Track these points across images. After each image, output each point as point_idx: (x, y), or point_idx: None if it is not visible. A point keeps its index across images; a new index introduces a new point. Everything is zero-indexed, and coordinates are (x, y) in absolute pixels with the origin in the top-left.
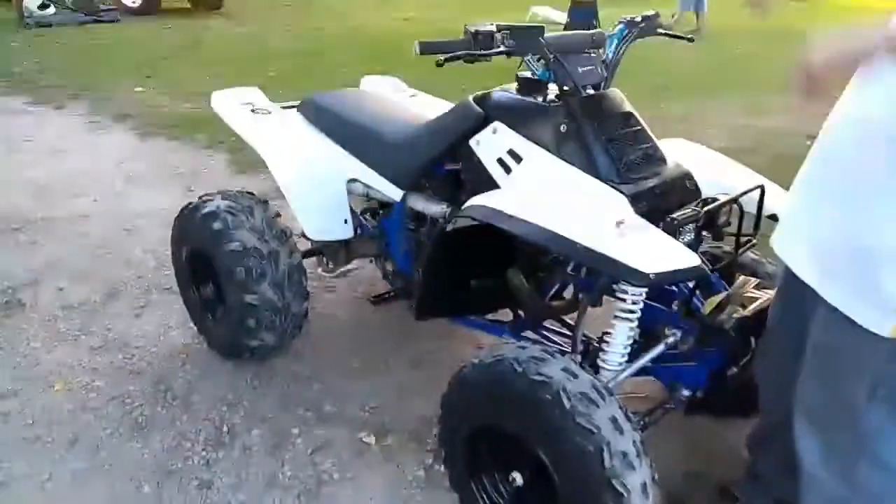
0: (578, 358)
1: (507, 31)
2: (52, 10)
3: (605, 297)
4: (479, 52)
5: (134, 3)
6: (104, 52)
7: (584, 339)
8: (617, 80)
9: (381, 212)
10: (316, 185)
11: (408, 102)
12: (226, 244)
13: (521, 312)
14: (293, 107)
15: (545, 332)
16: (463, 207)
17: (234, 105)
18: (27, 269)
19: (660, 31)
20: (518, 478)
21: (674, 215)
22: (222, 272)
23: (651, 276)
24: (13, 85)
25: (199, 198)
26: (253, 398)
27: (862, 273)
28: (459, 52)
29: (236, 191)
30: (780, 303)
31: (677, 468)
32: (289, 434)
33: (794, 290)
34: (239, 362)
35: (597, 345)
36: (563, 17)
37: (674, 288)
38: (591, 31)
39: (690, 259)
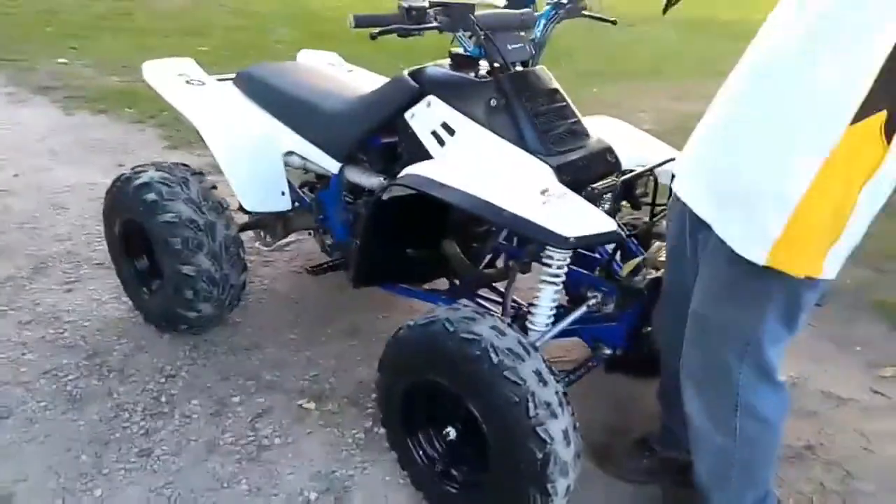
0: (508, 319)
1: (440, 8)
2: None
3: (535, 266)
4: (411, 27)
5: None
6: (22, 21)
7: (514, 304)
8: (552, 65)
9: (318, 185)
10: (252, 158)
11: (345, 76)
12: (161, 215)
13: (456, 281)
14: (229, 79)
15: (479, 301)
16: (398, 177)
17: (168, 76)
18: None
19: (584, 13)
20: (451, 432)
21: (594, 185)
22: (158, 244)
23: (571, 239)
24: None
25: (132, 169)
26: (192, 369)
27: (744, 205)
28: (393, 26)
29: (171, 162)
30: (671, 266)
31: (600, 423)
32: (229, 403)
33: (681, 255)
34: (176, 335)
35: (526, 310)
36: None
37: (596, 255)
38: (521, 11)
39: (607, 224)
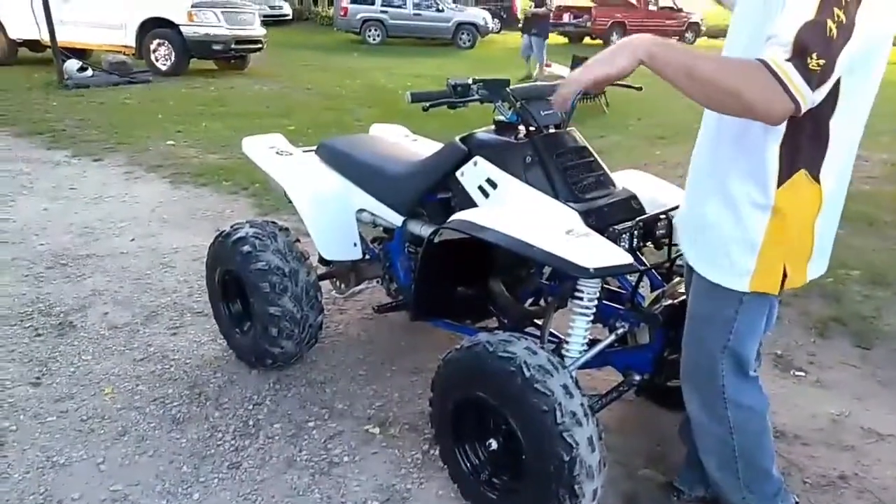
0: (543, 344)
1: (481, 83)
2: (89, 72)
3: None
4: (457, 100)
5: (164, 65)
6: (138, 110)
7: (555, 339)
8: (621, 130)
9: (385, 238)
10: (330, 214)
11: (408, 144)
12: (253, 264)
13: (504, 320)
14: (311, 150)
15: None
16: (447, 222)
17: (262, 147)
18: (76, 297)
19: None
20: (493, 443)
21: (614, 226)
22: (250, 288)
23: (591, 269)
24: (56, 140)
25: (231, 226)
26: (275, 399)
27: (716, 245)
28: (441, 100)
29: (262, 220)
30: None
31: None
32: (305, 427)
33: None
34: (262, 370)
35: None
36: (568, 71)
37: (622, 291)
38: (552, 83)
39: (624, 258)
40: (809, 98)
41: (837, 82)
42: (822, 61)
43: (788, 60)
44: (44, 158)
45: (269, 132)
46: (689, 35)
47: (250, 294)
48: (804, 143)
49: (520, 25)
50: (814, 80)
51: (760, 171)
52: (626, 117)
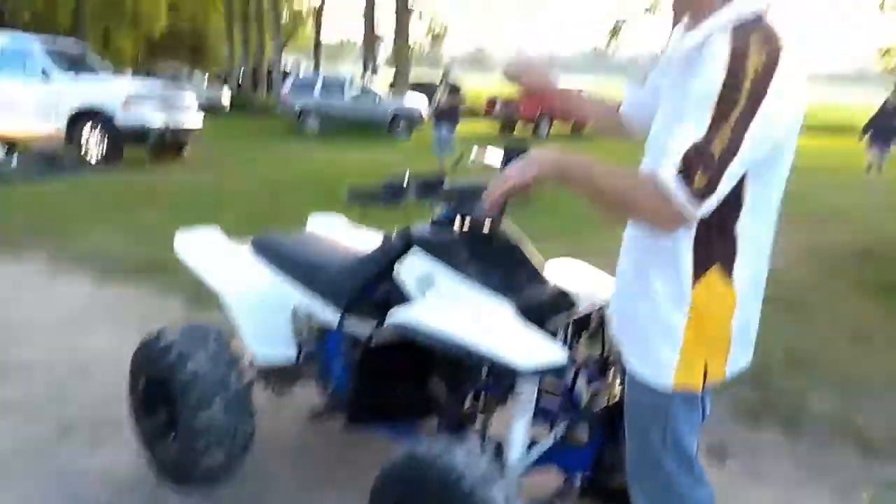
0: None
1: (416, 181)
2: (14, 161)
3: None
4: (393, 199)
5: (97, 154)
6: (65, 201)
7: (496, 440)
8: (549, 215)
9: (321, 337)
10: (263, 313)
11: (345, 237)
12: (181, 371)
13: (445, 421)
14: (247, 243)
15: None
16: (383, 325)
17: (194, 243)
18: None
19: None
20: None
21: (549, 322)
22: (176, 397)
23: (526, 368)
24: None
25: (157, 330)
26: None
27: (642, 340)
28: (378, 201)
29: (192, 321)
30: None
31: None
32: None
33: None
34: (187, 488)
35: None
36: (503, 156)
37: (561, 388)
38: (488, 179)
39: (559, 354)
40: (698, 211)
41: (741, 189)
42: (708, 175)
43: (677, 174)
44: None
45: (204, 225)
46: None
47: (177, 403)
48: (714, 244)
49: (431, 117)
50: (699, 194)
51: (676, 268)
52: (556, 201)
